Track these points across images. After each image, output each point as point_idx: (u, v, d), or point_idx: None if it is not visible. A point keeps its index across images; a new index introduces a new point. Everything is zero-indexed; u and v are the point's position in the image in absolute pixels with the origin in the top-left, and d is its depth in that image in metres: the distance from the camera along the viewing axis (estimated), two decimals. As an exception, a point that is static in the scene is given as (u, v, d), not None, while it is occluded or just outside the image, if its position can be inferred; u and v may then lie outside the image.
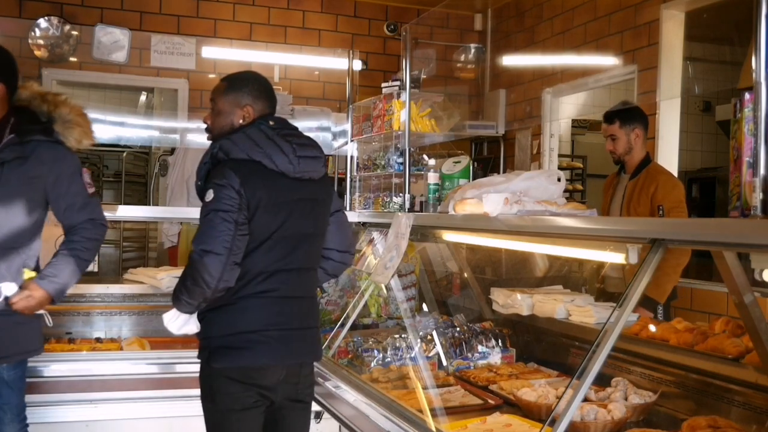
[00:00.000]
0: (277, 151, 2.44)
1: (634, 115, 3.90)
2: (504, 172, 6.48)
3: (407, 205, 3.69)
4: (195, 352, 2.50)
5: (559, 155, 7.16)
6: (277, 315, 2.45)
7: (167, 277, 3.79)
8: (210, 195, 2.40)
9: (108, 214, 2.88)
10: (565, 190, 3.96)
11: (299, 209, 2.51)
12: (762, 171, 1.74)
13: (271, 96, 2.65)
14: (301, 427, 2.61)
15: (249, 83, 2.61)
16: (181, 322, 2.50)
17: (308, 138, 2.61)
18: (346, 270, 2.99)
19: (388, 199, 3.95)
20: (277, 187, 2.46)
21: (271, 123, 2.52)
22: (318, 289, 2.73)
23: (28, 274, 2.71)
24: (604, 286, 3.67)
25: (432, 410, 2.75)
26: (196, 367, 2.50)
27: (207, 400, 2.47)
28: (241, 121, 2.56)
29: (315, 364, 2.78)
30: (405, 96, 3.73)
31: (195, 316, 2.50)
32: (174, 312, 2.48)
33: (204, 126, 2.66)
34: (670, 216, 3.40)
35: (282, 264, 2.47)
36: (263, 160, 2.44)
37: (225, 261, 2.32)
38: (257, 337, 2.41)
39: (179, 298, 2.43)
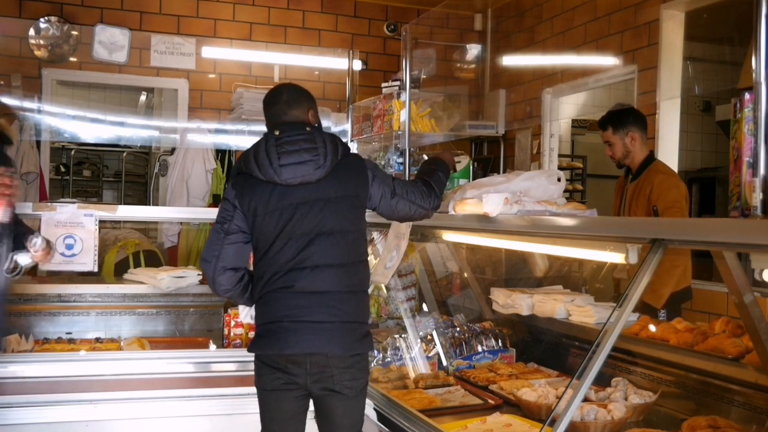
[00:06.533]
0: (265, 162, 2.56)
1: (627, 118, 3.79)
2: (504, 172, 6.49)
3: (407, 205, 3.67)
4: (194, 352, 2.51)
5: (559, 155, 7.15)
6: (292, 308, 2.55)
7: (167, 277, 3.79)
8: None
9: (108, 214, 2.88)
10: (565, 190, 3.95)
11: (304, 211, 2.57)
12: (762, 171, 1.74)
13: (273, 105, 2.71)
14: (341, 416, 2.59)
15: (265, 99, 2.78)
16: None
17: (307, 143, 2.57)
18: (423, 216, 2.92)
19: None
20: (270, 195, 2.58)
21: (276, 133, 2.62)
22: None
23: None
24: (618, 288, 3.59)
25: (432, 410, 2.75)
26: (196, 368, 2.52)
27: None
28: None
29: None
30: (405, 96, 3.73)
31: (251, 309, 2.76)
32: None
33: None
34: (664, 217, 3.36)
35: (294, 263, 2.56)
36: (253, 172, 2.59)
37: (214, 266, 2.62)
38: (273, 327, 2.57)
39: None
